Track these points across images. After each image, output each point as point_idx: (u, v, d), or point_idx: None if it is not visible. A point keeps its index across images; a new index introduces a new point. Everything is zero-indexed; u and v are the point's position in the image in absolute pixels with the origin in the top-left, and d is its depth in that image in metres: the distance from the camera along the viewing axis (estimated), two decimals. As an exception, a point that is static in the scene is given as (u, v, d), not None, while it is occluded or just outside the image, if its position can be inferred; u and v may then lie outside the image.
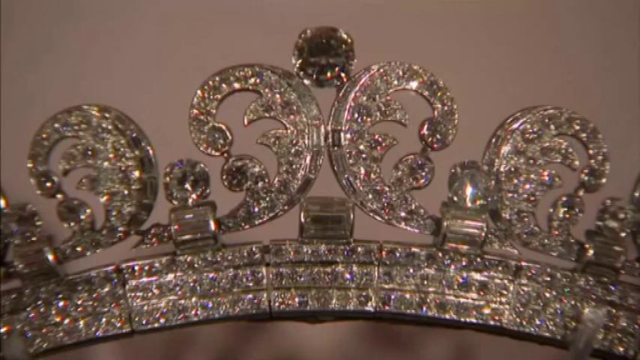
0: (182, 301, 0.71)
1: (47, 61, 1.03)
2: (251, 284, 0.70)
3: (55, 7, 1.06)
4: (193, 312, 0.71)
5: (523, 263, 0.70)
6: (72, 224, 0.71)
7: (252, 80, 0.71)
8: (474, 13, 1.03)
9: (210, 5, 0.99)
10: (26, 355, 0.70)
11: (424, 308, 0.70)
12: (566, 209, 0.71)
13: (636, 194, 0.71)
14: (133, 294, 0.70)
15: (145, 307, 0.71)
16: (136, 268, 0.71)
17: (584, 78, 1.03)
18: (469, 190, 0.70)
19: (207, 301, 0.71)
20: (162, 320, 0.70)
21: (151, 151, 0.71)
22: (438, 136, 0.70)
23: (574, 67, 1.04)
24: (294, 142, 0.71)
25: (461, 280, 0.71)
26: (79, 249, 0.71)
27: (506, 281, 0.70)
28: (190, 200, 0.70)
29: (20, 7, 1.06)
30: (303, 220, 0.70)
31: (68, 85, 0.99)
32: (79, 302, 0.70)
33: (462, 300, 0.70)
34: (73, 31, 1.04)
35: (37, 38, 1.05)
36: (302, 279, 0.70)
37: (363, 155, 0.71)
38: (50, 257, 0.70)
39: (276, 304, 0.70)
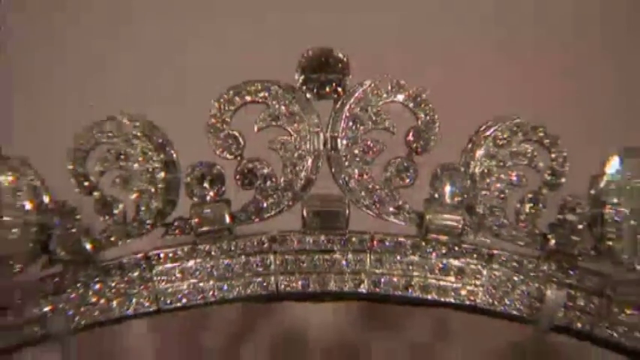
0: (201, 284, 0.75)
1: (81, 74, 1.02)
2: (260, 269, 0.75)
3: (73, 19, 1.05)
4: (211, 293, 0.75)
5: (494, 251, 0.75)
6: (106, 218, 0.75)
7: (262, 94, 0.75)
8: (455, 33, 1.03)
9: (225, 29, 1.01)
10: (67, 330, 0.74)
11: (409, 290, 0.74)
12: (531, 205, 0.75)
13: (592, 192, 0.74)
14: (158, 278, 0.75)
15: (169, 289, 0.75)
16: (162, 255, 0.75)
17: (548, 89, 1.03)
18: (448, 189, 0.74)
19: (223, 283, 0.75)
20: (184, 300, 0.75)
21: (174, 155, 0.75)
22: (421, 142, 0.74)
23: (537, 79, 1.04)
24: (298, 147, 0.75)
25: (441, 266, 0.75)
26: (112, 239, 0.75)
27: (480, 267, 0.75)
28: (208, 197, 0.74)
29: (36, 17, 1.04)
30: (305, 214, 0.75)
31: (100, 98, 0.99)
32: (113, 285, 0.75)
33: (442, 283, 0.75)
34: (97, 46, 1.03)
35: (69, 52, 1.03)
36: (304, 265, 0.74)
37: (357, 159, 0.75)
38: (88, 246, 0.74)
39: (282, 286, 0.74)
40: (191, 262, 0.75)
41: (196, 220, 0.75)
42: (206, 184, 0.75)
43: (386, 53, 0.95)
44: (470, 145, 0.76)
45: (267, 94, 0.75)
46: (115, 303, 0.75)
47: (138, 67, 1.02)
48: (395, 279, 0.75)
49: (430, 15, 1.04)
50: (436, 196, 0.75)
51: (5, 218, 0.75)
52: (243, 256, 0.75)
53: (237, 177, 0.75)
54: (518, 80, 1.05)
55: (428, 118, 0.75)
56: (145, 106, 0.76)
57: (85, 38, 1.07)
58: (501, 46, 1.07)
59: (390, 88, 0.75)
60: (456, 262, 0.75)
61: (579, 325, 0.75)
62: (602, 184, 0.75)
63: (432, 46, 1.04)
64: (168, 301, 0.75)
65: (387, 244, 0.75)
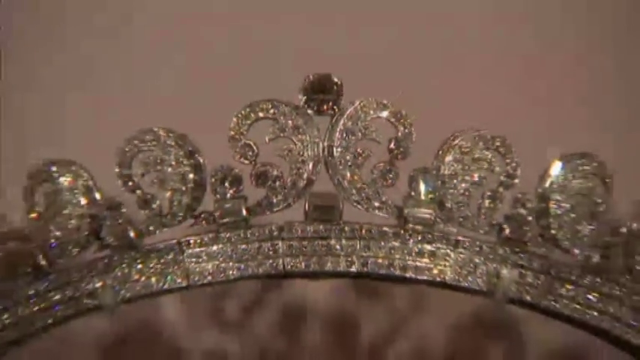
0: (223, 265, 0.74)
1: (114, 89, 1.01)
2: (271, 253, 0.74)
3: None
4: (231, 272, 0.74)
5: (460, 238, 0.74)
6: (146, 211, 0.74)
7: (272, 111, 0.74)
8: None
9: (237, 54, 0.99)
10: (114, 302, 0.73)
11: (391, 269, 0.73)
12: (490, 201, 0.74)
13: (539, 190, 0.73)
14: (189, 259, 0.74)
15: (197, 269, 0.74)
16: (191, 241, 0.74)
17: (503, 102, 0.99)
18: (422, 188, 0.73)
19: (241, 264, 0.74)
20: (209, 278, 0.74)
21: (201, 160, 0.74)
22: (401, 149, 0.74)
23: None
24: (301, 154, 0.74)
25: (417, 250, 0.74)
26: (151, 228, 0.74)
27: (448, 250, 0.74)
28: (228, 194, 0.74)
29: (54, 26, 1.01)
30: (307, 208, 0.74)
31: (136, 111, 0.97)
32: (151, 265, 0.74)
33: (417, 264, 0.74)
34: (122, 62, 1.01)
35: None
36: (306, 249, 0.74)
37: (349, 163, 0.74)
38: (132, 234, 0.73)
39: (289, 266, 0.74)
40: (215, 247, 0.74)
41: (219, 213, 0.74)
42: (227, 184, 0.74)
43: (375, 74, 0.92)
44: (440, 152, 0.75)
45: (276, 111, 0.74)
46: (153, 280, 0.75)
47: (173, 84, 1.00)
48: (379, 260, 0.74)
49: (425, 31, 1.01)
50: (413, 193, 0.74)
51: (65, 212, 0.74)
52: (256, 242, 0.74)
53: (252, 178, 0.74)
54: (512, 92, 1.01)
55: (406, 130, 0.74)
56: (179, 119, 0.75)
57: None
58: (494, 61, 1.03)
59: (375, 106, 0.74)
60: (428, 247, 0.74)
61: (528, 297, 0.74)
62: (547, 184, 0.74)
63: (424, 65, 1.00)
64: (197, 279, 0.74)
65: (373, 232, 0.74)
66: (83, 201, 0.74)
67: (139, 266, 0.75)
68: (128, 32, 1.04)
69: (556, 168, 0.74)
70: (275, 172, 0.74)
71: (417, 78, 0.99)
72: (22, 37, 1.01)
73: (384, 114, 0.74)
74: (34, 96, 1.00)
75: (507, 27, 1.03)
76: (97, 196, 0.74)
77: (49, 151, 0.78)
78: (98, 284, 0.74)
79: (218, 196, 0.74)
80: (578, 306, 0.75)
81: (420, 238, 0.74)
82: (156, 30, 1.03)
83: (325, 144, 0.74)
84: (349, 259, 0.74)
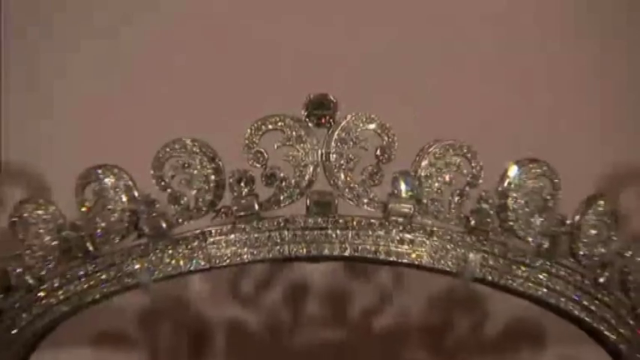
0: (239, 250, 0.73)
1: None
2: (278, 240, 0.73)
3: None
4: (245, 256, 0.73)
5: (434, 228, 0.74)
6: (176, 206, 0.74)
7: (279, 123, 0.74)
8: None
9: (244, 60, 0.98)
10: (149, 281, 0.73)
11: (377, 254, 0.73)
12: (458, 197, 0.74)
13: (499, 188, 0.74)
14: (210, 246, 0.74)
15: (218, 254, 0.74)
16: (213, 231, 0.74)
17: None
18: (403, 187, 0.73)
19: (253, 250, 0.73)
20: (227, 261, 0.73)
21: (220, 164, 0.74)
22: (385, 155, 0.73)
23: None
24: (303, 159, 0.74)
25: (398, 238, 0.74)
26: (179, 220, 0.74)
27: (424, 239, 0.74)
28: (244, 192, 0.73)
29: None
30: (308, 203, 0.74)
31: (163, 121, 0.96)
32: (180, 250, 0.73)
33: (399, 250, 0.74)
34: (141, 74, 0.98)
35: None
36: (307, 238, 0.73)
37: (343, 167, 0.74)
38: (164, 225, 0.73)
39: (293, 252, 0.73)
40: (232, 236, 0.74)
41: (235, 207, 0.74)
42: (242, 184, 0.74)
43: (366, 89, 0.92)
44: (417, 158, 0.75)
45: (283, 124, 0.74)
46: (181, 262, 0.74)
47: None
48: (367, 247, 0.74)
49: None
50: (395, 191, 0.74)
51: (109, 207, 0.74)
52: (266, 232, 0.74)
53: (263, 179, 0.74)
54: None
55: (390, 140, 0.74)
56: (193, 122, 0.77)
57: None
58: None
59: (364, 119, 0.74)
60: (408, 236, 0.74)
61: (490, 277, 0.74)
62: (505, 184, 0.74)
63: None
64: (217, 262, 0.74)
65: (363, 223, 0.74)
66: (124, 198, 0.74)
67: (170, 251, 0.74)
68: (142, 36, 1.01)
69: (513, 170, 0.74)
70: (282, 174, 0.74)
71: (403, 88, 0.98)
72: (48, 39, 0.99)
73: (372, 126, 0.74)
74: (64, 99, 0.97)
75: (503, 34, 1.00)
76: (135, 193, 0.74)
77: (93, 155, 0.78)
78: (136, 266, 0.74)
79: (235, 193, 0.74)
80: (531, 284, 0.75)
81: (401, 229, 0.74)
82: (164, 35, 1.01)
83: (323, 151, 0.74)
84: (343, 245, 0.74)
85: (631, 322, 0.77)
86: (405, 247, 0.74)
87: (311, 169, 0.74)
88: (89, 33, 0.99)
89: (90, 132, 0.95)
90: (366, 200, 0.74)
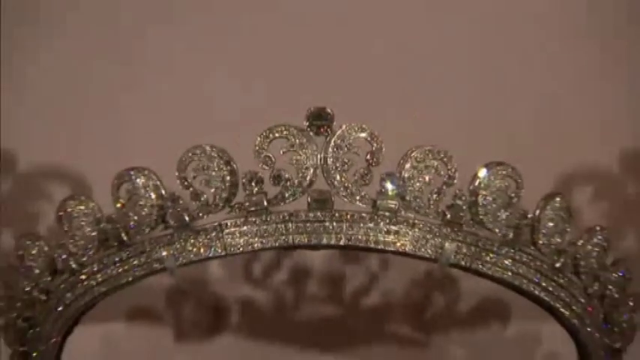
0: (250, 240, 0.73)
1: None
2: (284, 231, 0.73)
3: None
4: (256, 245, 0.73)
5: (416, 221, 0.73)
6: (197, 202, 0.73)
7: (285, 132, 0.73)
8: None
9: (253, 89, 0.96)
10: (175, 265, 0.73)
11: (368, 243, 0.73)
12: (436, 195, 0.73)
13: (470, 187, 0.73)
14: (227, 236, 0.73)
15: (233, 242, 0.73)
16: (228, 223, 0.73)
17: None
18: (389, 186, 0.73)
19: (263, 239, 0.73)
20: (241, 249, 0.73)
21: (235, 166, 0.73)
22: (374, 159, 0.73)
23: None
24: (305, 162, 0.73)
25: (385, 230, 0.73)
26: (200, 214, 0.73)
27: (408, 230, 0.73)
28: (254, 191, 0.73)
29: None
30: (309, 200, 0.73)
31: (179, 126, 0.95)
32: (200, 240, 0.73)
33: (386, 239, 0.73)
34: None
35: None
36: (309, 229, 0.73)
37: (338, 169, 0.73)
38: (187, 218, 0.73)
39: (297, 240, 0.73)
40: (244, 227, 0.74)
41: (247, 203, 0.74)
42: (253, 184, 0.73)
43: (357, 102, 0.89)
44: (402, 161, 0.74)
45: (287, 132, 0.74)
46: (202, 250, 0.74)
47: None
48: (359, 237, 0.73)
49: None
50: (382, 190, 0.73)
51: (140, 203, 0.74)
52: (274, 224, 0.73)
53: (271, 179, 0.74)
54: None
55: (378, 146, 0.73)
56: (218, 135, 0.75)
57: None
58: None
59: (356, 129, 0.74)
60: (394, 227, 0.74)
61: (463, 263, 0.74)
62: (476, 183, 0.74)
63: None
64: (232, 250, 0.73)
65: (355, 217, 0.73)
66: (153, 195, 0.74)
67: (192, 241, 0.74)
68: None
69: (482, 172, 0.74)
70: (286, 175, 0.74)
71: (391, 100, 0.97)
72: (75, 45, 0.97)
73: (363, 135, 0.73)
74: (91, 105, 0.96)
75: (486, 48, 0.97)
76: (163, 192, 0.74)
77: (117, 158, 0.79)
78: (164, 253, 0.74)
79: (247, 192, 0.74)
80: (498, 269, 0.75)
81: (387, 221, 0.74)
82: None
83: (321, 156, 0.74)
84: (338, 235, 0.73)
85: (582, 300, 0.77)
86: (391, 237, 0.74)
87: (311, 171, 0.74)
88: (128, 44, 0.97)
89: (124, 139, 0.95)
90: (358, 197, 0.74)
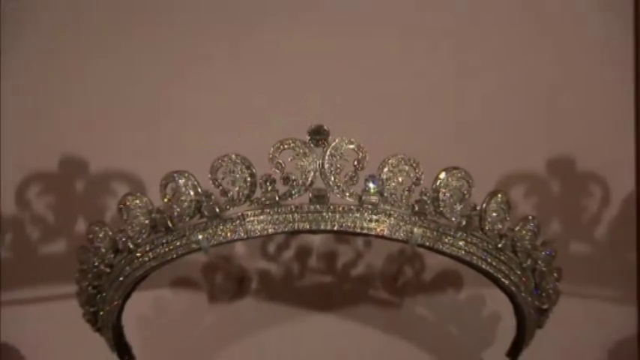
0: (265, 226, 0.73)
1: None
2: (291, 220, 0.73)
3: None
4: (270, 230, 0.73)
5: (392, 212, 0.73)
6: (225, 198, 0.73)
7: (292, 144, 0.73)
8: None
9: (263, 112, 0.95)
10: (208, 246, 0.74)
11: (355, 229, 0.73)
12: (407, 192, 0.74)
13: (433, 186, 0.73)
14: (248, 223, 0.73)
15: (252, 228, 0.73)
16: (249, 214, 0.73)
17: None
18: (371, 185, 0.73)
19: (275, 225, 0.73)
20: (258, 233, 0.73)
21: (254, 170, 0.73)
22: (360, 165, 0.73)
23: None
24: (307, 167, 0.73)
25: (368, 219, 0.73)
26: (227, 207, 0.74)
27: (385, 219, 0.73)
28: (269, 189, 0.73)
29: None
30: (310, 196, 0.74)
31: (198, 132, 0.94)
32: (228, 227, 0.73)
33: (369, 226, 0.73)
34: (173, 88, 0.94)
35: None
36: (310, 218, 0.73)
37: (332, 173, 0.73)
38: (217, 210, 0.73)
39: (301, 227, 0.73)
40: (261, 217, 0.74)
41: (263, 199, 0.74)
42: (268, 183, 0.74)
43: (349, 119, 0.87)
44: (381, 166, 0.74)
45: (294, 145, 0.74)
46: (229, 234, 0.74)
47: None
48: (349, 224, 0.73)
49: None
50: (366, 188, 0.74)
51: (182, 198, 0.74)
52: (283, 214, 0.74)
53: (281, 180, 0.74)
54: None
55: (363, 155, 0.74)
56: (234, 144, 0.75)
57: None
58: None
59: (347, 142, 0.74)
60: (375, 217, 0.74)
61: (427, 244, 0.74)
62: (437, 183, 0.74)
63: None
64: (252, 234, 0.74)
65: (345, 209, 0.74)
66: (191, 192, 0.74)
67: (221, 227, 0.74)
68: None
69: (442, 174, 0.74)
70: (293, 177, 0.74)
71: (374, 118, 0.96)
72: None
73: (351, 146, 0.74)
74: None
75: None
76: (199, 190, 0.74)
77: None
78: (200, 236, 0.74)
79: (263, 190, 0.74)
80: (454, 248, 0.75)
81: (370, 212, 0.74)
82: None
83: (320, 162, 0.74)
84: (332, 223, 0.73)
85: (518, 272, 0.77)
86: (373, 224, 0.74)
87: (312, 174, 0.74)
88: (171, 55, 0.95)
89: (170, 147, 0.94)
90: (347, 194, 0.74)
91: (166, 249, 0.75)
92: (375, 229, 0.74)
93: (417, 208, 0.74)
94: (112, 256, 0.76)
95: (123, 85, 0.95)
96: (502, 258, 0.76)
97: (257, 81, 0.96)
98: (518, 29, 0.94)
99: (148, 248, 0.75)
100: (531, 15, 0.93)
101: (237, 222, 0.74)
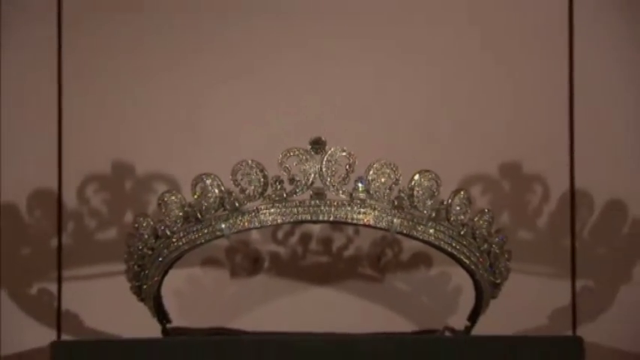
0: (276, 217, 0.72)
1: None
2: (296, 212, 0.72)
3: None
4: (279, 220, 0.73)
5: (376, 206, 0.73)
6: (243, 195, 0.73)
7: (297, 152, 0.73)
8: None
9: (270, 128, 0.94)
10: (230, 233, 0.73)
11: (347, 219, 0.72)
12: (388, 190, 0.73)
13: (409, 186, 0.73)
14: (261, 215, 0.73)
15: (264, 219, 0.72)
16: (262, 207, 0.73)
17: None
18: (360, 185, 0.73)
19: (283, 217, 0.72)
20: (269, 222, 0.73)
21: (266, 173, 0.72)
22: (351, 168, 0.73)
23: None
24: (309, 170, 0.72)
25: (357, 212, 0.73)
26: (245, 202, 0.73)
27: (371, 211, 0.73)
28: (278, 188, 0.72)
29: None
30: (311, 193, 0.73)
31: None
32: (245, 217, 0.72)
33: (358, 217, 0.73)
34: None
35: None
36: (311, 211, 0.72)
37: (329, 175, 0.73)
38: (237, 204, 0.72)
39: (303, 218, 0.72)
40: (272, 210, 0.73)
41: (273, 195, 0.73)
42: (277, 183, 0.73)
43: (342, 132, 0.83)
44: (367, 170, 0.73)
45: (298, 152, 0.73)
46: (246, 223, 0.73)
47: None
48: (342, 215, 0.73)
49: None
50: (356, 187, 0.73)
51: (208, 195, 0.73)
52: (290, 208, 0.73)
53: (288, 181, 0.73)
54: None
55: (353, 160, 0.73)
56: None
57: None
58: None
59: (340, 151, 0.73)
60: (362, 210, 0.73)
61: (405, 231, 0.73)
62: (412, 183, 0.73)
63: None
64: (264, 223, 0.73)
65: (339, 203, 0.73)
66: (216, 191, 0.73)
67: (240, 218, 0.73)
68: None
69: (416, 176, 0.73)
70: (297, 178, 0.73)
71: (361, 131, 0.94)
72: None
73: (344, 154, 0.73)
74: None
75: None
76: (222, 188, 0.73)
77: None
78: (223, 225, 0.73)
79: (273, 188, 0.73)
80: (426, 235, 0.74)
81: (359, 206, 0.73)
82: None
83: (318, 166, 0.73)
84: (329, 215, 0.73)
85: (477, 254, 0.76)
86: (361, 216, 0.73)
87: (312, 176, 0.73)
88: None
89: (200, 154, 0.93)
90: (340, 192, 0.73)
91: (196, 235, 0.74)
92: (363, 219, 0.73)
93: (396, 203, 0.73)
94: (153, 241, 0.76)
95: (163, 105, 0.94)
96: (464, 243, 0.75)
97: (269, 100, 0.95)
98: (469, 52, 0.93)
99: (181, 235, 0.75)
100: (481, 38, 0.92)
101: (253, 214, 0.73)
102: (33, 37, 0.90)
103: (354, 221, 0.73)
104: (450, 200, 0.74)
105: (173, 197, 0.74)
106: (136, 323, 0.82)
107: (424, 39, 0.93)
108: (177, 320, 0.84)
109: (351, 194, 0.73)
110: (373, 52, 0.94)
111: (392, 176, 0.73)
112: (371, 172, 0.73)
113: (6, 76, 0.89)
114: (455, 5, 0.92)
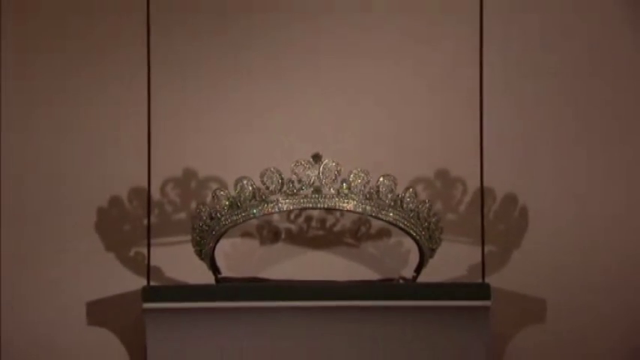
0: (290, 205, 0.71)
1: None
2: (302, 203, 0.71)
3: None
4: (291, 207, 0.72)
5: (355, 198, 0.72)
6: (267, 190, 0.71)
7: (303, 162, 0.72)
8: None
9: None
10: (259, 215, 0.72)
11: (335, 207, 0.71)
12: (363, 187, 0.72)
13: (377, 184, 0.71)
14: (280, 204, 0.71)
15: (281, 207, 0.71)
16: (280, 199, 0.71)
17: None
18: (344, 184, 0.72)
19: (294, 205, 0.71)
20: (284, 209, 0.72)
21: (283, 176, 0.71)
22: (339, 174, 0.72)
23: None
24: (311, 175, 0.71)
25: (343, 201, 0.72)
26: (269, 195, 0.71)
27: (352, 201, 0.72)
28: (290, 186, 0.71)
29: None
30: (312, 190, 0.72)
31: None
32: (269, 205, 0.71)
33: (343, 205, 0.72)
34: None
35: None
36: (312, 201, 0.71)
37: (326, 179, 0.72)
38: (263, 197, 0.71)
39: (307, 206, 0.72)
40: (287, 200, 0.72)
41: (287, 191, 0.72)
42: (290, 183, 0.72)
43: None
44: (349, 174, 0.72)
45: (304, 163, 0.72)
46: (269, 209, 0.72)
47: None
48: (332, 204, 0.72)
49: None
50: (342, 186, 0.72)
51: (245, 190, 0.72)
52: (298, 199, 0.72)
53: (297, 181, 0.72)
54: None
55: (340, 168, 0.72)
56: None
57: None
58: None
59: (331, 162, 0.72)
60: (346, 201, 0.72)
61: (373, 214, 0.73)
62: (378, 183, 0.72)
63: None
64: (281, 209, 0.72)
65: (331, 196, 0.72)
66: (250, 188, 0.72)
67: (265, 205, 0.72)
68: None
69: (381, 178, 0.73)
70: (304, 180, 0.72)
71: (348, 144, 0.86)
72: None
73: (334, 164, 0.72)
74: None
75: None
76: (254, 186, 0.72)
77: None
78: (254, 210, 0.72)
79: (287, 186, 0.72)
80: (387, 217, 0.74)
81: (343, 198, 0.72)
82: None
83: (317, 172, 0.72)
84: (324, 204, 0.72)
85: (420, 229, 0.76)
86: (345, 204, 0.73)
87: (313, 178, 0.72)
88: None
89: (239, 161, 0.86)
90: (332, 189, 0.73)
91: (236, 217, 0.74)
92: (346, 207, 0.73)
93: (368, 196, 0.73)
94: (209, 221, 0.75)
95: (216, 130, 0.88)
96: (412, 221, 0.75)
97: (288, 121, 0.87)
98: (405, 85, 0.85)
99: (227, 217, 0.74)
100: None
101: (274, 203, 0.73)
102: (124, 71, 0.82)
103: (341, 208, 0.73)
104: (403, 194, 0.74)
105: (222, 192, 0.74)
106: (199, 275, 0.81)
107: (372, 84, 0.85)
108: (225, 272, 0.82)
109: (338, 190, 0.73)
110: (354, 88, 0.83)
111: (365, 178, 0.73)
112: (351, 176, 0.73)
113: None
114: (395, 46, 0.81)
